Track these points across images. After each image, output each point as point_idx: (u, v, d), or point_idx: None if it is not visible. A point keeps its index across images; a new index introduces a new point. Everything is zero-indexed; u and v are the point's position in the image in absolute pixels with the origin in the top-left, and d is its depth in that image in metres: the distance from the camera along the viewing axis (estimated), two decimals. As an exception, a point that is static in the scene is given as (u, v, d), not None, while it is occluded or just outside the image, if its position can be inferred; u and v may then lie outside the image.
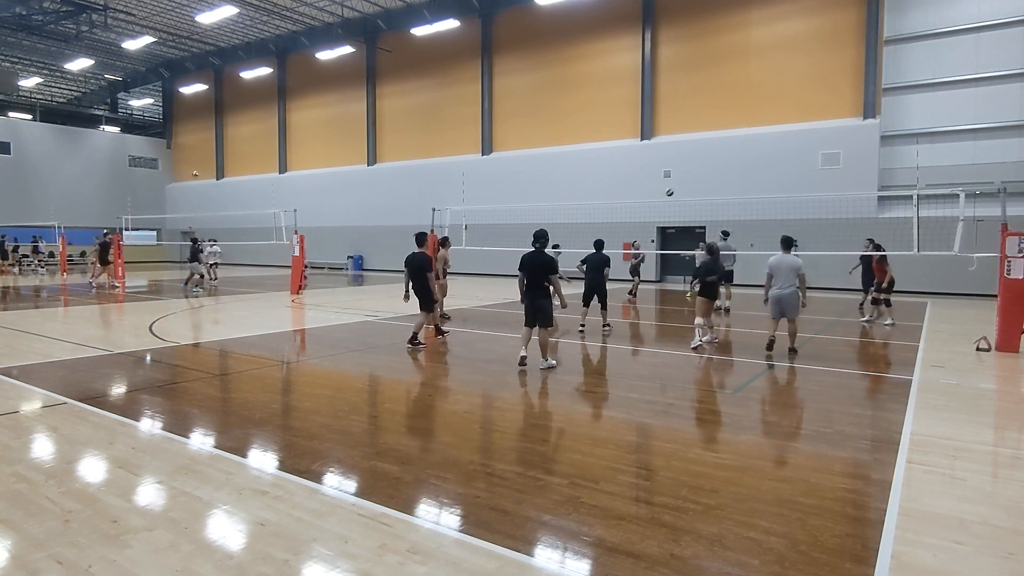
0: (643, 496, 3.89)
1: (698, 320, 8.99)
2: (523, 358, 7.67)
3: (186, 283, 18.02)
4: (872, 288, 11.98)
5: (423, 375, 7.77)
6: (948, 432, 5.19)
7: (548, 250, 7.74)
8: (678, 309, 14.49)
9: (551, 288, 7.60)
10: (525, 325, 7.76)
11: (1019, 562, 3.09)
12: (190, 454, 4.61)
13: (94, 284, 18.42)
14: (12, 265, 27.53)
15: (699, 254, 13.14)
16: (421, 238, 9.64)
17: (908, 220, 11.76)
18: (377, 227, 29.63)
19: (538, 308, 7.57)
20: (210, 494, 3.84)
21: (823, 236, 17.21)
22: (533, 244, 7.66)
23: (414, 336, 9.16)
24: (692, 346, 8.93)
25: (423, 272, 8.99)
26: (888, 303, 11.64)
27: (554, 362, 7.66)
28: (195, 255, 18.37)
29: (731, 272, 14.56)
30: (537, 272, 7.55)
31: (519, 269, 7.68)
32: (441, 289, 11.87)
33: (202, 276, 18.75)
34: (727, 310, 13.27)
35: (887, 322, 11.56)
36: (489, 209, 20.32)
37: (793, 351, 8.55)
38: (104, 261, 19.51)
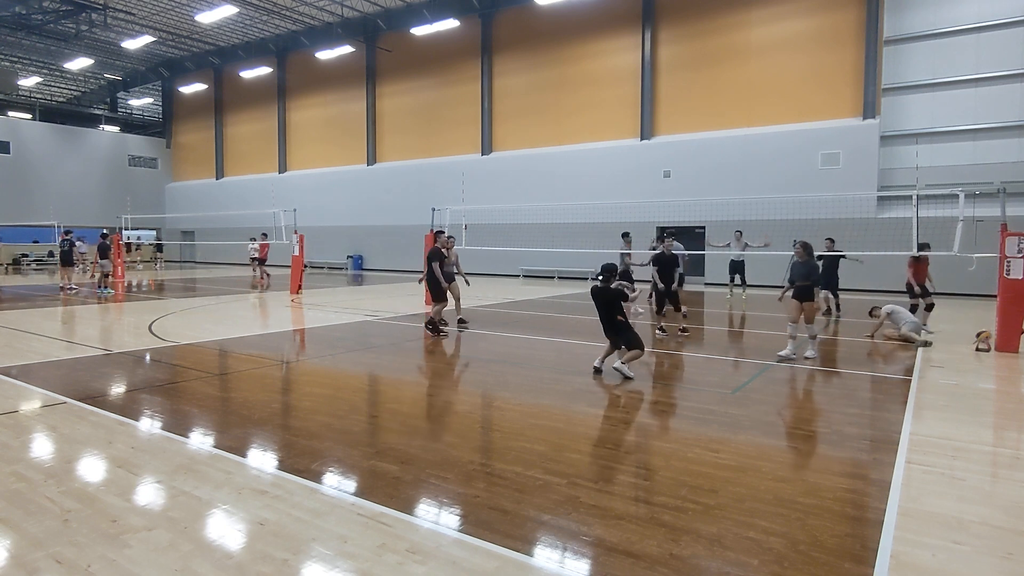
0: (643, 496, 3.89)
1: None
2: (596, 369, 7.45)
3: (100, 285, 17.24)
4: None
5: (423, 375, 7.77)
6: (948, 432, 5.19)
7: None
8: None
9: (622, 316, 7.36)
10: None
11: (1018, 562, 3.09)
12: (189, 453, 4.61)
13: (82, 286, 17.65)
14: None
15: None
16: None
17: (908, 220, 11.74)
18: (377, 227, 29.62)
19: (618, 332, 7.36)
20: (209, 493, 3.84)
21: (822, 236, 17.20)
22: (596, 277, 7.45)
23: None
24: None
25: None
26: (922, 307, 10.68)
27: (631, 374, 7.17)
28: (68, 255, 17.74)
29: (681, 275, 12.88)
30: (607, 307, 7.35)
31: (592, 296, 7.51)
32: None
33: (88, 272, 18.03)
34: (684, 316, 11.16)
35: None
36: (489, 209, 20.32)
37: None
38: (66, 263, 18.10)
